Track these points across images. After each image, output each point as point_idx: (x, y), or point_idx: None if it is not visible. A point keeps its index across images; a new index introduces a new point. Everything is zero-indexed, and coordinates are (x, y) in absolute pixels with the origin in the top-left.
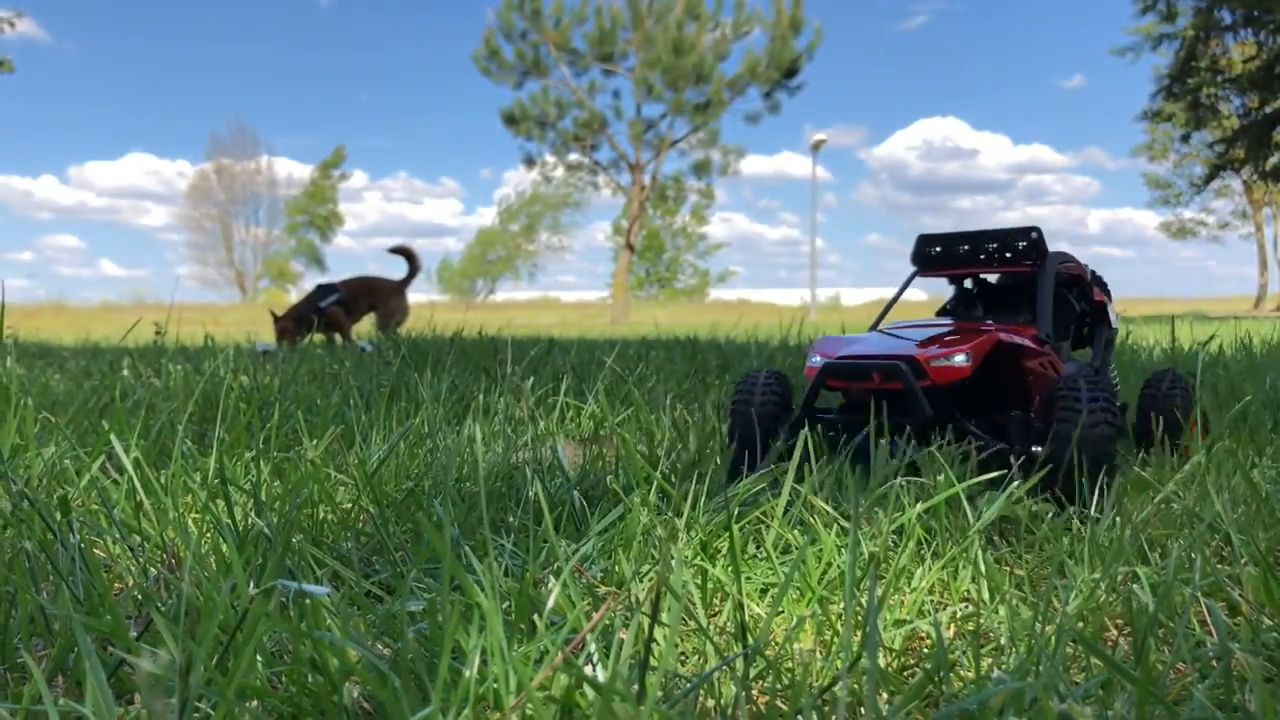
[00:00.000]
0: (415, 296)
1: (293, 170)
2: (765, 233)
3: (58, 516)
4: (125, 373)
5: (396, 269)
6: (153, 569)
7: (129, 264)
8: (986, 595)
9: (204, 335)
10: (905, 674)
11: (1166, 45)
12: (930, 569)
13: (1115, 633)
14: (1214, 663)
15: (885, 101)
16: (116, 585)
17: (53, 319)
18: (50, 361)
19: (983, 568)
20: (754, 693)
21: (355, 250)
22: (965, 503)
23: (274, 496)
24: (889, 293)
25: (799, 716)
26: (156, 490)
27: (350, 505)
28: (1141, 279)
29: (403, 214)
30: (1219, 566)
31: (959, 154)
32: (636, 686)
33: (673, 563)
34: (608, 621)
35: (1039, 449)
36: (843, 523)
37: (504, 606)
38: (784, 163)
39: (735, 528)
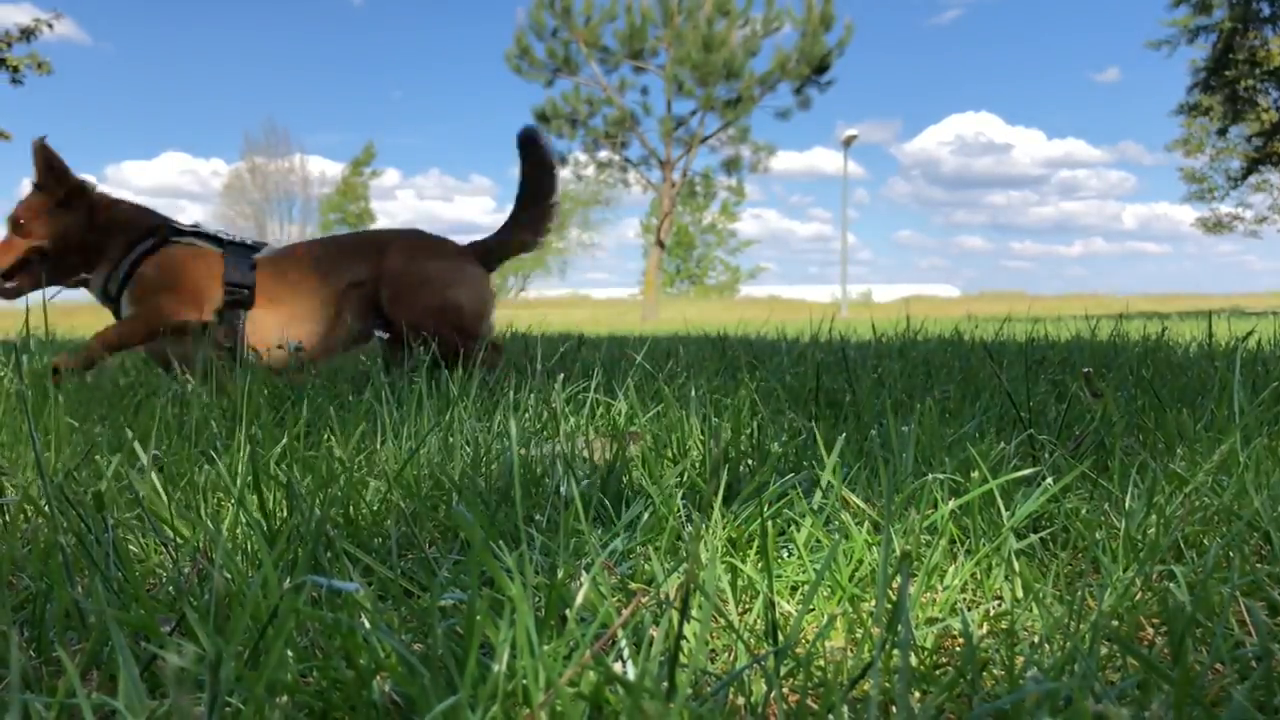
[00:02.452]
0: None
1: (325, 168)
2: (796, 229)
3: (92, 512)
4: (159, 369)
5: None
6: (185, 564)
7: None
8: (1020, 593)
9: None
10: (937, 672)
11: (1203, 38)
12: (963, 566)
13: (1151, 632)
14: (1254, 664)
15: (917, 96)
16: (149, 580)
17: (90, 317)
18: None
19: (1015, 565)
20: (784, 691)
21: None
22: (999, 499)
23: (308, 491)
24: (919, 289)
25: (830, 715)
26: (188, 486)
27: (381, 501)
28: (1178, 275)
29: (435, 211)
30: (1258, 565)
31: (992, 149)
32: (666, 684)
33: (703, 559)
34: (637, 618)
35: None
36: (875, 517)
37: (535, 601)
38: (815, 158)
39: (769, 524)
